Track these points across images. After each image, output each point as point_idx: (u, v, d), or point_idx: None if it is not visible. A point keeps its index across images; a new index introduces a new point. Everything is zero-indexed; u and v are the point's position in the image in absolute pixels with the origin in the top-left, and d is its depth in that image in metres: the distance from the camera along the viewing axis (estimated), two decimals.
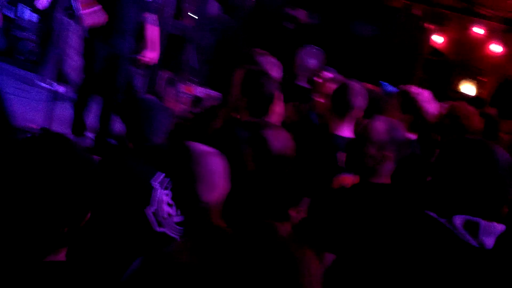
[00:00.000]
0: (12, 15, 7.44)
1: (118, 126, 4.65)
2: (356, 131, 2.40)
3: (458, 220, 1.54)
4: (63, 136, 1.32)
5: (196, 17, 6.94)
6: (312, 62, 6.24)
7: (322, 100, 3.72)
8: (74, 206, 1.23)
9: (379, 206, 1.72)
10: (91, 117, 4.88)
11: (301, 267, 0.90)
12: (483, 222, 1.53)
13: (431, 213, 1.58)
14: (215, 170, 1.75)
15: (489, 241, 1.51)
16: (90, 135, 4.88)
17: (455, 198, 1.59)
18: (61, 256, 1.26)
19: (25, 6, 7.50)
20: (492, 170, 1.56)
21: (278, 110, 2.77)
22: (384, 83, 3.93)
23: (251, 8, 6.82)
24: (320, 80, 4.09)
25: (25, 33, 7.43)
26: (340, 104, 2.87)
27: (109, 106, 4.67)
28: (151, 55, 4.84)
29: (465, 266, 1.50)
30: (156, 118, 2.25)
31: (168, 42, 6.96)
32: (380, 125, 2.18)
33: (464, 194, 1.57)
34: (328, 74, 4.36)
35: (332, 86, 3.54)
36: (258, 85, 2.64)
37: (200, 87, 6.40)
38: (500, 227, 1.55)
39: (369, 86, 3.77)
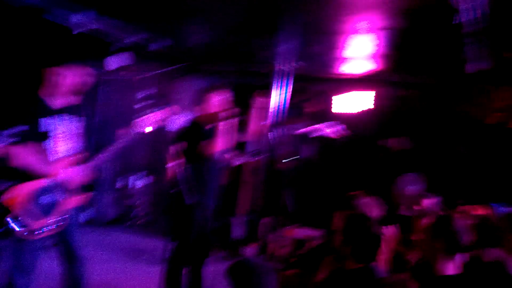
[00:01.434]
0: (122, 185, 8.12)
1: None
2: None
3: None
4: None
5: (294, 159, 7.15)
6: (412, 189, 6.04)
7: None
8: None
9: None
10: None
11: None
12: None
13: None
14: None
15: None
16: None
17: None
18: None
19: (136, 176, 8.20)
20: None
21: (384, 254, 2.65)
22: (496, 205, 3.68)
23: (342, 144, 6.94)
24: (421, 208, 3.93)
25: (133, 200, 8.02)
26: (447, 243, 2.64)
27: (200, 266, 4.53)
28: None
29: None
30: (263, 282, 2.20)
31: (266, 188, 7.15)
32: None
33: None
34: (430, 201, 4.19)
35: (434, 214, 3.36)
36: (362, 231, 2.54)
37: (300, 229, 6.36)
38: None
39: (479, 209, 3.54)
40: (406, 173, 6.78)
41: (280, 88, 7.42)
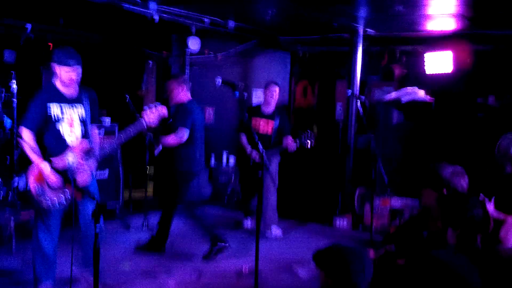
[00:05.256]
0: (213, 165, 8.32)
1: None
2: None
3: None
4: None
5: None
6: None
7: None
8: None
9: None
10: None
11: None
12: None
13: None
14: None
15: None
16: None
17: None
18: None
19: (228, 154, 8.39)
20: None
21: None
22: None
23: (432, 109, 6.61)
24: None
25: (226, 177, 8.20)
26: None
27: None
28: None
29: None
30: (359, 268, 2.12)
31: (355, 159, 7.01)
32: None
33: None
34: None
35: None
36: (462, 212, 2.39)
37: (396, 198, 6.18)
38: None
39: None
40: (509, 132, 6.33)
41: (364, 53, 7.17)
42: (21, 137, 3.91)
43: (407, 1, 5.51)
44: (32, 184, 3.87)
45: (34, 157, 3.86)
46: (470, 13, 5.93)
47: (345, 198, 6.93)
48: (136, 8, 6.07)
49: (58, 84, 4.02)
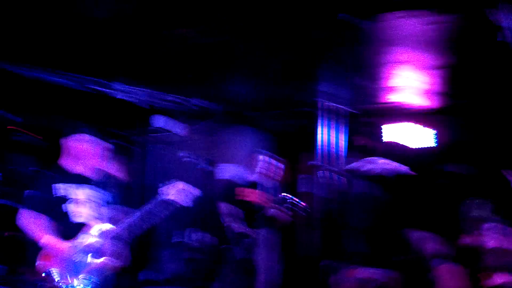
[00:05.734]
0: (179, 240, 8.12)
1: None
2: None
3: None
4: None
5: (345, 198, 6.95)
6: (477, 214, 5.68)
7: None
8: None
9: None
10: None
11: None
12: None
13: None
14: None
15: None
16: None
17: None
18: None
19: (191, 230, 8.20)
20: None
21: None
22: None
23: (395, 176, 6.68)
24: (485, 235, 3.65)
25: (190, 255, 7.98)
26: None
27: None
28: None
29: None
30: None
31: (323, 229, 6.93)
32: None
33: None
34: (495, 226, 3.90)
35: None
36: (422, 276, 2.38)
37: (363, 269, 6.07)
38: None
39: None
40: (471, 198, 6.39)
41: (328, 127, 7.30)
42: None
43: (371, 74, 5.73)
44: (43, 265, 3.43)
45: (39, 234, 3.45)
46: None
47: (312, 270, 6.75)
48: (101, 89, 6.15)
49: (66, 163, 3.72)
